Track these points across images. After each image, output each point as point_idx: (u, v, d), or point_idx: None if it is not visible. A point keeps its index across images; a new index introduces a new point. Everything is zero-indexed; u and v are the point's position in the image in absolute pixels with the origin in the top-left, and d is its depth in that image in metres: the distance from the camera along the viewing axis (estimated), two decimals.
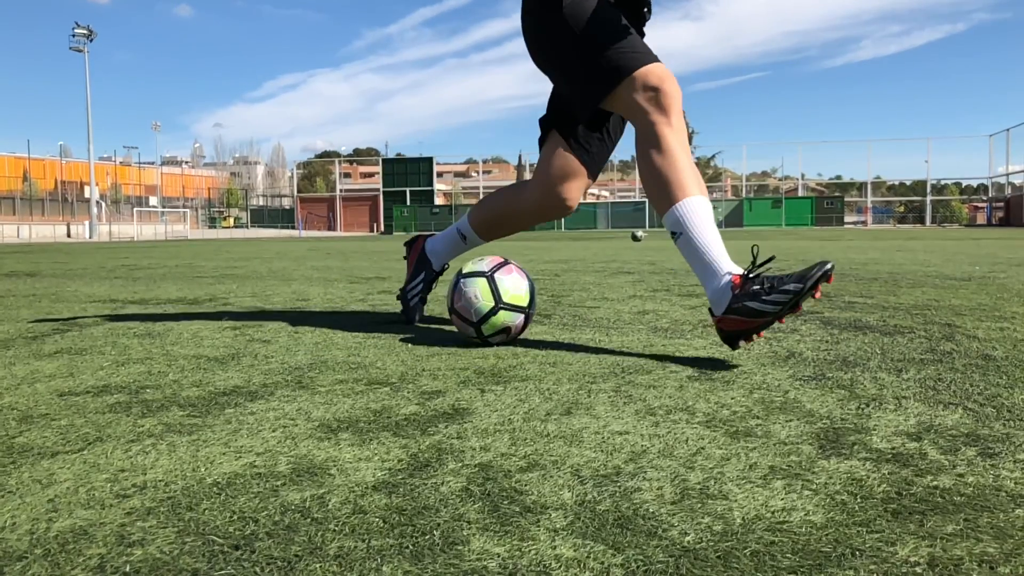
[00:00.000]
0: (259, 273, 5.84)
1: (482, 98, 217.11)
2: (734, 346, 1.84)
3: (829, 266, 1.67)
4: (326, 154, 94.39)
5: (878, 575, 0.76)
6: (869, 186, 59.28)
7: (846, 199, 55.23)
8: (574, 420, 1.33)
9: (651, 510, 0.92)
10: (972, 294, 3.37)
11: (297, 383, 1.67)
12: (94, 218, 40.58)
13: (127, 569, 0.79)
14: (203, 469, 1.10)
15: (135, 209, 45.84)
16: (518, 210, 2.37)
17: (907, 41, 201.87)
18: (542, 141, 2.28)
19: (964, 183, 71.95)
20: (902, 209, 63.26)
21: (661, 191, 1.88)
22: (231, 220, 65.27)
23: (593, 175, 2.27)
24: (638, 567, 0.78)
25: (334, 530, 0.87)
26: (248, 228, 58.92)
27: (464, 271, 2.13)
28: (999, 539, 0.83)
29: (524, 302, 2.09)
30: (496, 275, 2.08)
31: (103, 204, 48.02)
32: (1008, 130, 52.61)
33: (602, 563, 0.79)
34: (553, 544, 0.83)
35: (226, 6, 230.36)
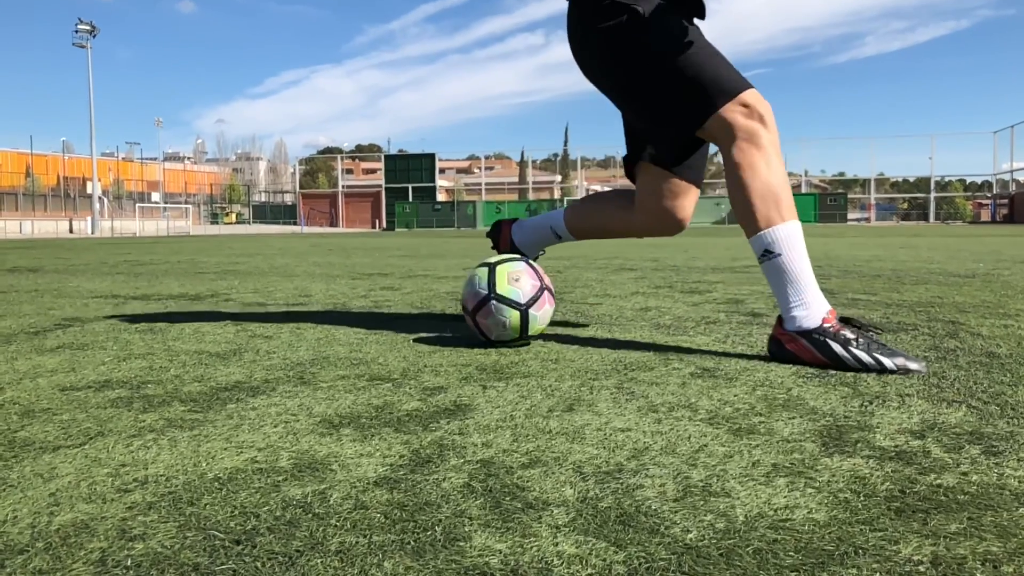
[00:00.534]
0: (261, 269, 5.84)
1: (485, 94, 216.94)
2: (778, 358, 1.81)
3: (923, 371, 1.65)
4: (328, 150, 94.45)
5: (881, 573, 0.75)
6: (873, 183, 59.20)
7: (849, 196, 55.15)
8: (576, 417, 1.33)
9: (653, 507, 0.92)
10: (976, 291, 3.36)
11: (299, 379, 1.67)
12: (96, 214, 40.63)
13: (128, 563, 0.79)
14: (204, 464, 1.09)
15: (137, 205, 45.91)
16: (627, 228, 2.28)
17: (911, 38, 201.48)
18: (631, 175, 2.19)
19: (968, 180, 71.80)
20: (906, 206, 63.17)
21: (764, 207, 1.81)
22: (233, 216, 65.32)
23: (700, 184, 2.18)
24: (640, 564, 0.77)
25: (335, 525, 0.87)
26: (250, 224, 59.02)
27: (499, 291, 1.98)
28: (1003, 538, 0.83)
29: (544, 328, 2.06)
30: (531, 311, 1.99)
31: (105, 200, 48.09)
32: (1012, 127, 52.48)
33: (604, 560, 0.78)
34: (555, 541, 0.83)
35: (228, 2, 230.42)
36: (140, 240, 19.40)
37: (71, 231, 40.07)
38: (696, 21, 1.93)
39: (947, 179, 61.93)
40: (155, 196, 60.79)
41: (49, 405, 1.46)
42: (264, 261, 7.08)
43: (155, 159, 70.62)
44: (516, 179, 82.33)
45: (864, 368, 1.66)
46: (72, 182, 54.38)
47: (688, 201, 2.16)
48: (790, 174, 64.75)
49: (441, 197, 61.47)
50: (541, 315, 2.01)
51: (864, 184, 60.83)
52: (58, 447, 1.19)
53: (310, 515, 0.90)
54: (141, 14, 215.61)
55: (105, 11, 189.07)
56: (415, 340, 2.16)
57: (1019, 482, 0.99)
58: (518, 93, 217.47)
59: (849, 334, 1.70)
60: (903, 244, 10.09)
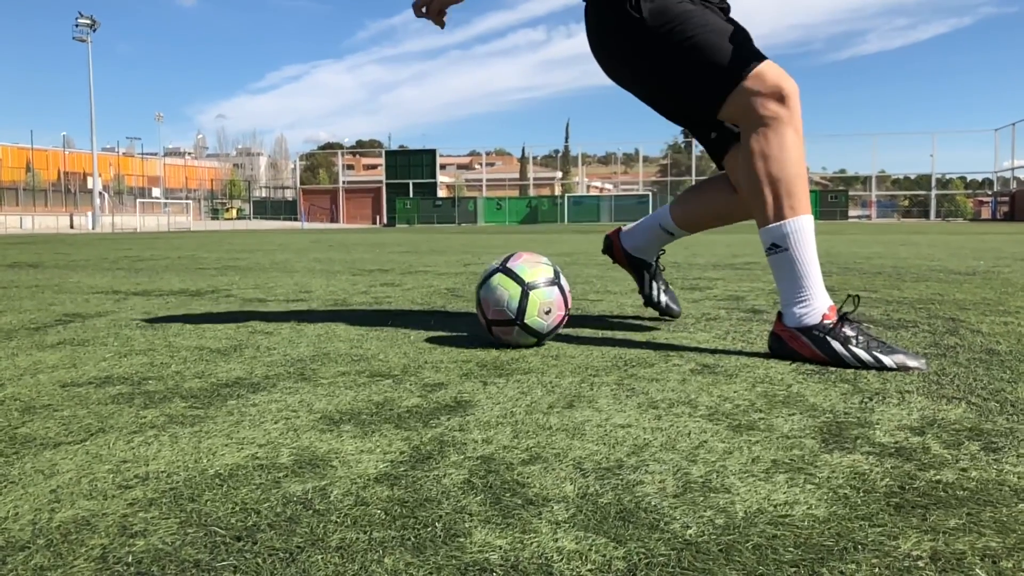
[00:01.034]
0: (261, 265, 5.85)
1: (486, 90, 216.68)
2: (778, 355, 1.81)
3: (923, 368, 1.65)
4: (329, 146, 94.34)
5: (880, 569, 0.75)
6: (874, 180, 59.12)
7: (850, 193, 55.09)
8: (576, 413, 1.33)
9: (653, 503, 0.92)
10: (976, 289, 3.36)
11: (299, 375, 1.67)
12: (97, 209, 40.64)
13: (129, 560, 0.79)
14: (205, 460, 1.10)
15: (138, 200, 45.90)
16: (742, 211, 2.14)
17: (913, 35, 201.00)
18: (719, 163, 2.10)
19: (969, 177, 71.71)
20: (907, 203, 63.09)
21: (776, 199, 1.77)
22: (234, 212, 65.28)
23: None
24: (640, 560, 0.77)
25: (336, 522, 0.87)
26: (251, 220, 59.00)
27: (526, 320, 1.92)
28: (1002, 533, 0.83)
29: (549, 273, 1.98)
30: (509, 264, 1.98)
31: (106, 195, 48.07)
32: (1014, 124, 52.42)
33: (604, 556, 0.78)
34: (555, 537, 0.83)
35: None
36: (141, 236, 19.41)
37: (72, 226, 40.07)
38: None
39: (948, 176, 61.83)
40: (156, 191, 60.78)
41: (50, 401, 1.46)
42: (264, 257, 7.08)
43: (156, 154, 70.61)
44: (517, 175, 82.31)
45: (863, 366, 1.66)
46: (72, 177, 54.34)
47: None
48: None
49: (442, 193, 61.42)
50: (523, 262, 1.99)
51: (865, 181, 60.76)
52: (59, 443, 1.19)
53: (311, 511, 0.91)
54: (142, 8, 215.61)
55: (106, 5, 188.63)
56: (415, 336, 2.16)
57: (1018, 478, 0.99)
58: (519, 89, 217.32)
59: (849, 332, 1.69)
60: (904, 241, 10.09)
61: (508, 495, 0.95)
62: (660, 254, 2.46)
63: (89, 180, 47.19)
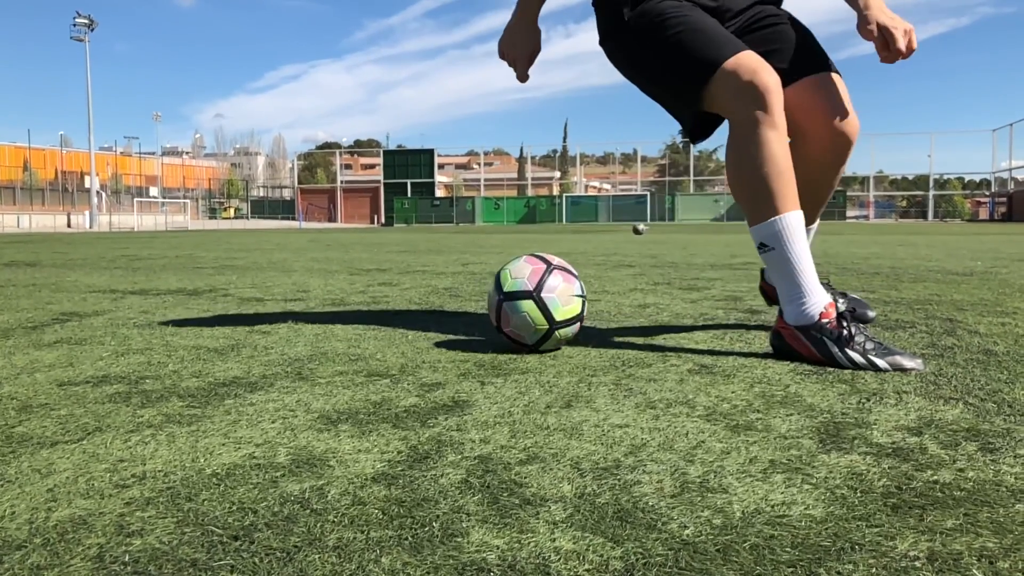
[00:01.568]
0: (259, 264, 5.84)
1: (484, 90, 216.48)
2: (779, 352, 1.81)
3: (920, 368, 1.64)
4: (327, 145, 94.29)
5: (877, 569, 0.75)
6: (872, 180, 59.20)
7: (848, 193, 55.15)
8: (574, 413, 1.33)
9: (651, 503, 0.92)
10: (974, 289, 3.36)
11: (297, 374, 1.67)
12: (94, 208, 40.57)
13: (126, 559, 0.79)
14: (202, 460, 1.09)
15: (135, 199, 45.82)
16: (807, 165, 1.94)
17: None
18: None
19: (967, 178, 71.82)
20: (904, 204, 63.16)
21: (757, 200, 1.75)
22: (231, 211, 65.25)
23: (814, 67, 1.92)
24: (637, 560, 0.77)
25: (333, 521, 0.87)
26: (248, 219, 58.93)
27: (505, 289, 1.88)
28: (999, 534, 0.83)
29: (578, 310, 1.90)
30: (543, 294, 1.84)
31: (103, 194, 48.01)
32: (1011, 125, 52.51)
33: (601, 556, 0.78)
34: (552, 536, 0.83)
35: None
36: (138, 235, 19.38)
37: (69, 225, 40.01)
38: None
39: (946, 177, 61.96)
40: (153, 191, 60.68)
41: (47, 400, 1.46)
42: (262, 256, 7.07)
43: (153, 153, 70.46)
44: (515, 175, 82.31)
45: (857, 368, 1.66)
46: (70, 176, 54.25)
47: (816, 96, 1.88)
48: None
49: (440, 193, 61.46)
50: (558, 294, 1.85)
51: (863, 182, 60.82)
52: (56, 442, 1.19)
53: (308, 511, 0.90)
54: (140, 8, 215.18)
55: (104, 4, 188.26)
56: (413, 336, 2.16)
57: (1015, 478, 0.99)
58: (517, 89, 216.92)
59: (845, 332, 1.69)
60: (901, 242, 10.10)
61: (506, 495, 0.95)
62: (826, 278, 2.10)
63: (86, 179, 47.09)
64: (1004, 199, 52.35)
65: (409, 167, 58.23)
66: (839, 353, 1.68)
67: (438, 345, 2.01)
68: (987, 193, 59.57)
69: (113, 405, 1.42)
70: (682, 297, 3.15)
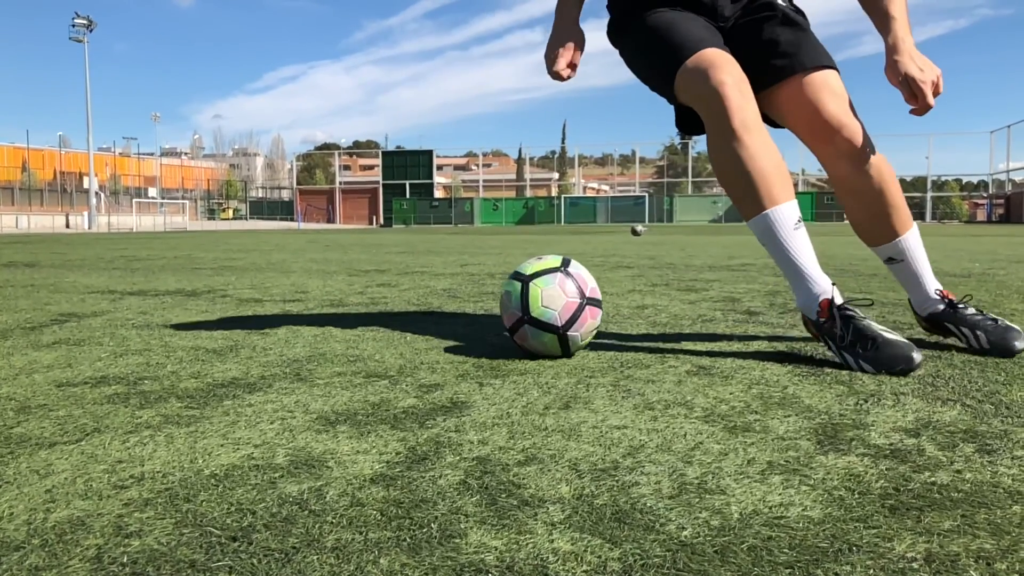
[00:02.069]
0: (258, 265, 5.84)
1: (483, 91, 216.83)
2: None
3: (917, 360, 1.60)
4: (326, 146, 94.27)
5: (875, 570, 0.76)
6: None
7: None
8: (572, 414, 1.33)
9: (649, 504, 0.92)
10: (971, 291, 3.37)
11: (295, 375, 1.67)
12: (93, 209, 40.53)
13: (124, 560, 0.79)
14: (201, 461, 1.09)
15: (134, 200, 45.80)
16: (833, 173, 1.92)
17: None
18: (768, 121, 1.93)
19: (964, 180, 71.93)
20: None
21: (741, 196, 1.74)
22: (230, 212, 65.20)
23: (810, 63, 1.87)
24: (635, 561, 0.78)
25: (332, 522, 0.87)
26: (247, 220, 58.92)
27: (533, 313, 1.79)
28: (996, 535, 0.83)
29: (555, 264, 1.87)
30: (569, 333, 1.79)
31: (102, 195, 47.96)
32: (1009, 127, 52.57)
33: (599, 557, 0.79)
34: (551, 538, 0.83)
35: None
36: (137, 235, 19.37)
37: (67, 226, 39.97)
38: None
39: (944, 179, 62.00)
40: (152, 191, 60.61)
41: (45, 401, 1.46)
42: (261, 257, 7.07)
43: (152, 154, 70.42)
44: (514, 176, 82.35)
45: (850, 368, 1.66)
46: (69, 177, 54.19)
47: (814, 94, 1.81)
48: None
49: (439, 194, 61.47)
50: (584, 332, 1.82)
51: None
52: (54, 443, 1.19)
53: (306, 512, 0.91)
54: (139, 8, 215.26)
55: (102, 5, 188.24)
56: (412, 337, 2.16)
57: (1012, 480, 0.99)
58: (516, 90, 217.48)
59: (838, 330, 1.67)
60: None
61: (504, 496, 0.95)
62: (936, 287, 1.97)
63: (85, 180, 47.06)
64: (1002, 201, 52.40)
65: (408, 168, 58.22)
66: (836, 351, 1.69)
67: (436, 346, 2.01)
68: (985, 195, 59.62)
69: (111, 406, 1.42)
70: (680, 298, 3.15)
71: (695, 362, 1.77)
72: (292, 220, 54.75)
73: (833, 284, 1.75)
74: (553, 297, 1.79)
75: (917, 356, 1.61)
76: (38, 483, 1.01)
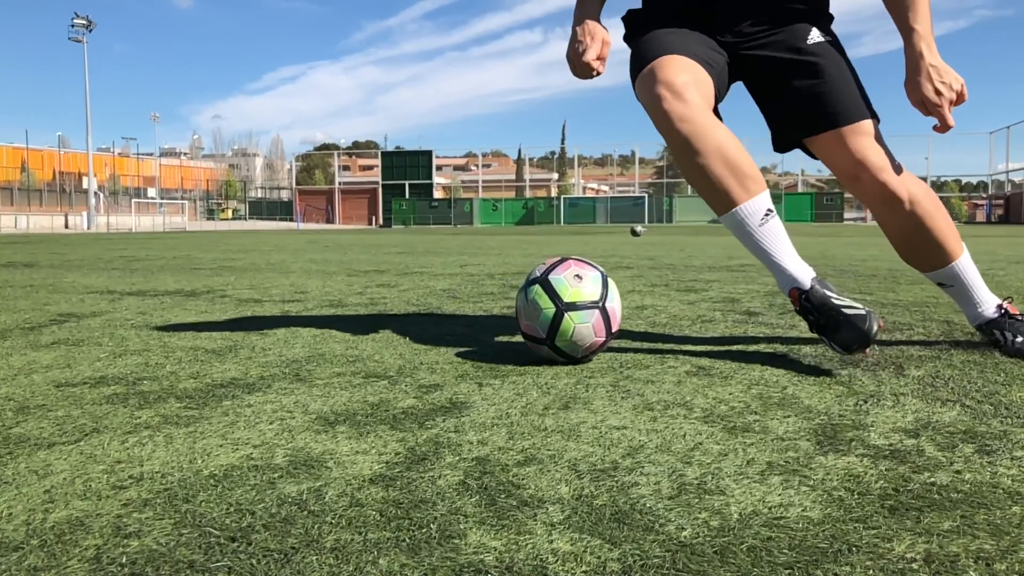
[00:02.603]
0: (257, 265, 5.84)
1: (482, 92, 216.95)
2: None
3: (873, 332, 1.58)
4: (325, 147, 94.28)
5: (874, 571, 0.76)
6: None
7: (846, 195, 55.17)
8: (572, 414, 1.33)
9: (648, 505, 0.92)
10: None
11: (295, 376, 1.67)
12: (92, 209, 40.52)
13: (123, 560, 0.79)
14: (200, 461, 1.09)
15: (133, 200, 45.77)
16: (876, 216, 1.93)
17: None
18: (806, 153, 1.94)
19: (964, 180, 72.02)
20: None
21: (709, 200, 1.74)
22: (229, 212, 65.18)
23: (828, 121, 1.84)
24: (635, 562, 0.77)
25: (331, 523, 0.87)
26: (246, 220, 58.90)
27: (558, 343, 1.75)
28: (995, 536, 0.83)
29: (595, 296, 1.76)
30: (551, 276, 1.77)
31: (101, 195, 47.92)
32: (1008, 127, 52.58)
33: (599, 557, 0.79)
34: (550, 538, 0.83)
35: None
36: (136, 236, 19.36)
37: (67, 226, 39.95)
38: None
39: (943, 179, 62.05)
40: (151, 192, 60.56)
41: (44, 401, 1.46)
42: (260, 257, 7.07)
43: (151, 154, 70.40)
44: (513, 176, 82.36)
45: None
46: (68, 177, 54.14)
47: (848, 144, 1.79)
48: (786, 174, 64.74)
49: (438, 194, 61.44)
50: (565, 276, 1.78)
51: None
52: (53, 444, 1.18)
53: (305, 512, 0.90)
54: (138, 8, 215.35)
55: (102, 5, 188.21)
56: (411, 337, 2.16)
57: (1012, 480, 0.99)
58: (516, 91, 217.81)
59: (811, 316, 1.66)
60: None
61: (503, 496, 0.95)
62: (1001, 306, 1.93)
63: (84, 180, 47.03)
64: (1001, 201, 52.44)
65: (407, 168, 58.19)
66: (812, 333, 1.69)
67: (436, 347, 2.01)
68: (984, 195, 59.65)
69: (110, 406, 1.41)
70: (680, 299, 3.15)
71: (694, 363, 1.77)
72: (291, 220, 54.74)
73: (816, 271, 1.74)
74: (584, 337, 1.74)
75: (874, 326, 1.58)
76: (37, 483, 1.01)
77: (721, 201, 1.72)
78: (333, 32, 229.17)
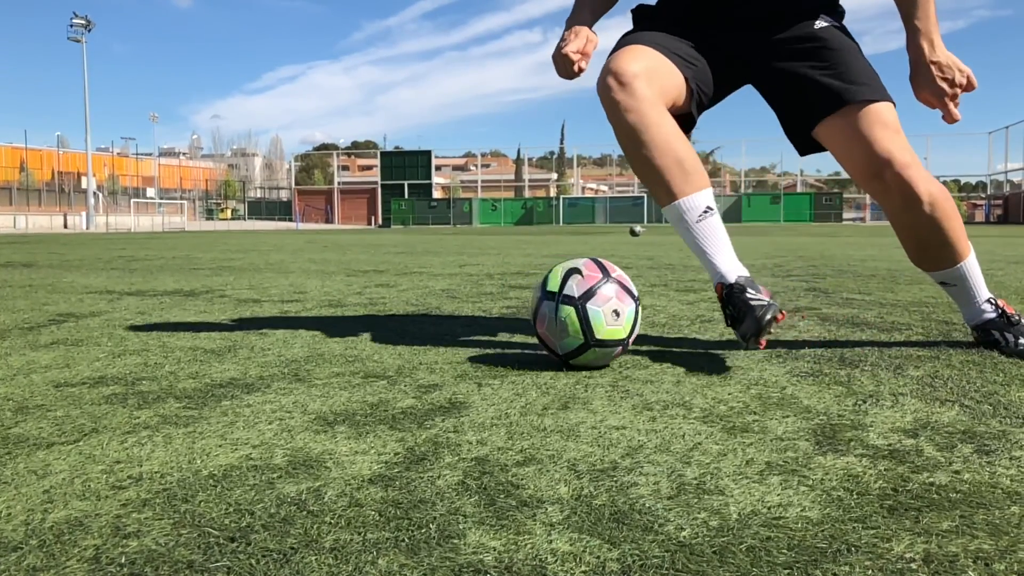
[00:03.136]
0: (256, 265, 5.83)
1: (481, 91, 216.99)
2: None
3: (765, 320, 1.57)
4: (324, 146, 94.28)
5: (873, 571, 0.76)
6: None
7: (845, 195, 55.22)
8: (571, 414, 1.33)
9: (647, 505, 0.92)
10: None
11: (294, 375, 1.67)
12: (91, 209, 40.50)
13: (122, 560, 0.79)
14: (199, 461, 1.09)
15: (132, 200, 45.77)
16: (886, 209, 1.91)
17: None
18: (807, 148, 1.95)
19: (963, 180, 72.08)
20: None
21: (652, 190, 1.77)
22: (228, 212, 65.14)
23: (846, 99, 1.80)
24: (634, 562, 0.78)
25: (330, 523, 0.87)
26: (245, 220, 58.86)
27: (548, 287, 1.71)
28: (994, 536, 0.83)
29: (623, 333, 1.69)
30: (588, 304, 1.66)
31: (100, 195, 47.90)
32: (1007, 128, 52.59)
33: (598, 557, 0.79)
34: (549, 538, 0.83)
35: None
36: (135, 236, 19.35)
37: (66, 226, 39.93)
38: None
39: (942, 179, 62.02)
40: (150, 192, 60.51)
41: (43, 401, 1.45)
42: (259, 257, 7.07)
43: (150, 154, 70.32)
44: (512, 176, 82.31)
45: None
46: (67, 177, 54.09)
47: (865, 128, 1.75)
48: (785, 174, 64.78)
49: (437, 194, 61.44)
50: (607, 311, 1.68)
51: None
52: (52, 444, 1.18)
53: (304, 512, 0.90)
54: (137, 8, 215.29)
55: (101, 5, 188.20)
56: (410, 337, 2.16)
57: (1011, 480, 0.99)
58: (515, 91, 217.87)
59: (729, 309, 1.65)
60: (898, 244, 10.10)
61: (502, 496, 0.95)
62: (993, 301, 1.92)
63: (83, 180, 46.99)
64: (1000, 202, 52.48)
65: (406, 168, 58.19)
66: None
67: (435, 347, 2.01)
68: (983, 196, 59.69)
69: (109, 406, 1.41)
70: (679, 299, 3.15)
71: (694, 363, 1.77)
72: (290, 220, 54.74)
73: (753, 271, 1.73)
74: (599, 362, 1.72)
75: (767, 316, 1.57)
76: (36, 483, 1.01)
77: (663, 193, 1.75)
78: (332, 32, 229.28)
